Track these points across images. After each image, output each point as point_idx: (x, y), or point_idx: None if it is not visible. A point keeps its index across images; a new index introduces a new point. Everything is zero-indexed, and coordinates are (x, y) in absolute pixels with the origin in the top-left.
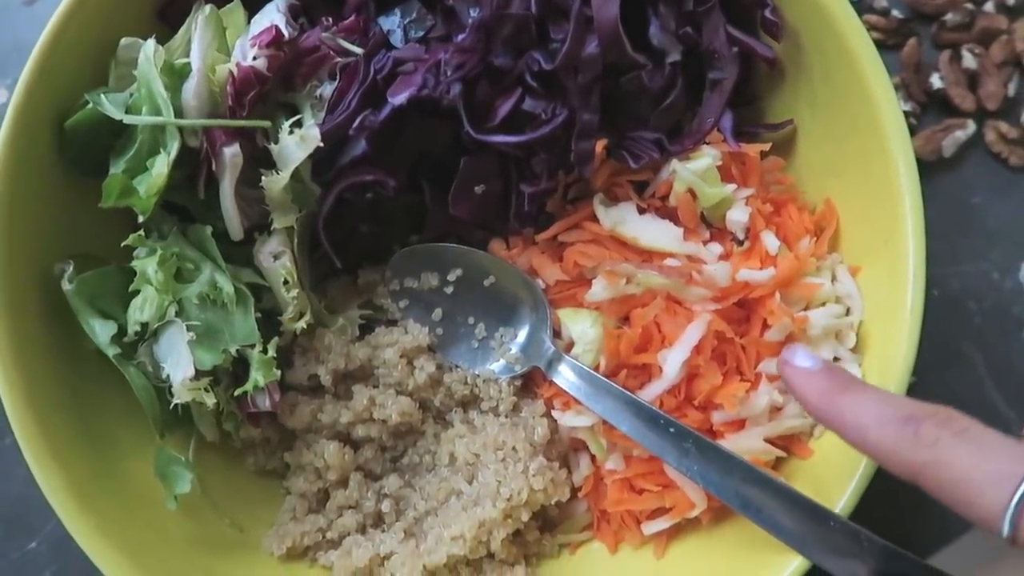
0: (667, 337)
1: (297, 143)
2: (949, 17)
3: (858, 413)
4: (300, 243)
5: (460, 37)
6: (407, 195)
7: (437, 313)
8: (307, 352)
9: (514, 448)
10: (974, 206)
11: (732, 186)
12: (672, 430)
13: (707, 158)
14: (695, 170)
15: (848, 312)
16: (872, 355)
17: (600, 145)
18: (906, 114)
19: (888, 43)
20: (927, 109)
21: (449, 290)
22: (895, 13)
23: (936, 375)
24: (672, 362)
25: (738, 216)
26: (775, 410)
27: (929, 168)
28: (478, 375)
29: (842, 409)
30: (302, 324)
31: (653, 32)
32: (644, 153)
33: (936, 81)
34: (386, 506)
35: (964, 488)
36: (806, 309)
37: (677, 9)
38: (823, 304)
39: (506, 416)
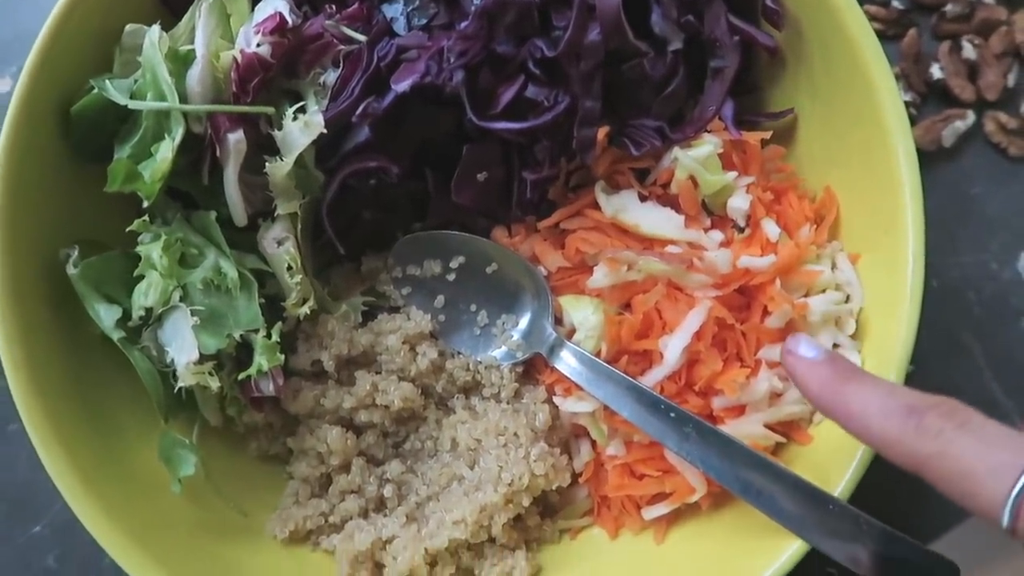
0: (668, 323)
1: (301, 129)
2: (949, 8)
3: (861, 403)
4: (304, 229)
5: (463, 24)
6: (410, 182)
7: (439, 300)
8: (310, 338)
9: (515, 434)
10: (973, 196)
11: (733, 174)
12: (673, 415)
13: (708, 146)
14: (696, 158)
15: (848, 299)
16: (871, 342)
17: (602, 132)
18: (906, 104)
19: (888, 33)
20: (927, 99)
21: (451, 277)
22: (895, 4)
23: (935, 364)
24: (673, 348)
25: (739, 203)
26: (775, 396)
27: (929, 158)
28: (480, 361)
29: (846, 399)
30: (305, 310)
31: (655, 20)
32: (646, 140)
33: (936, 71)
34: (388, 491)
35: (967, 480)
36: (806, 296)
37: None
38: (823, 291)
39: (507, 402)
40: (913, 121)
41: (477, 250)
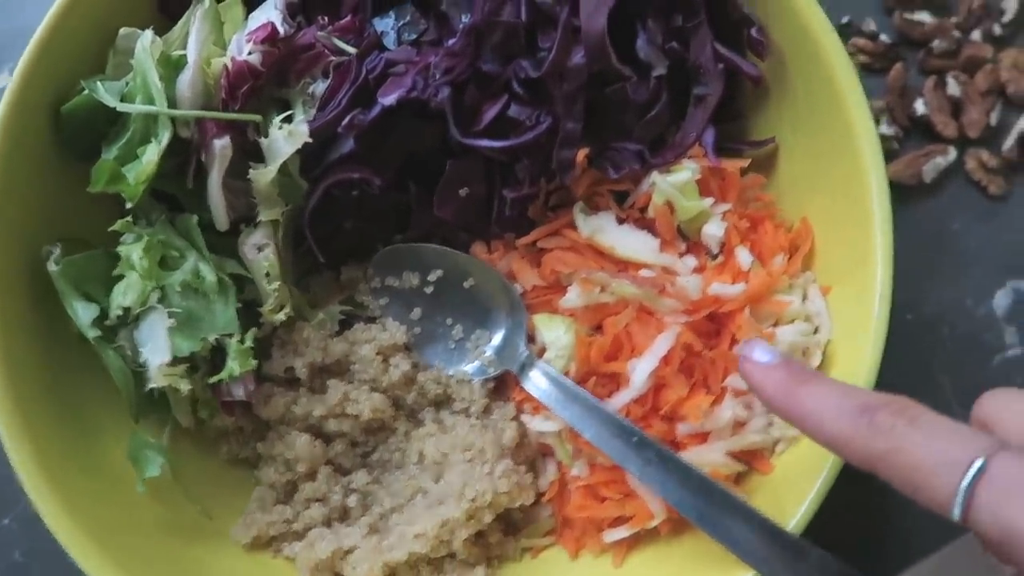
0: (637, 347)
1: (286, 138)
2: (936, 44)
3: (816, 404)
4: (285, 237)
5: (451, 42)
6: (393, 194)
7: (416, 312)
8: (285, 344)
9: (482, 450)
10: (952, 232)
11: (710, 200)
12: (635, 440)
13: (687, 172)
14: (674, 183)
15: (816, 331)
16: (836, 374)
17: (582, 154)
18: (889, 138)
19: (875, 67)
20: (910, 134)
21: (429, 290)
22: (883, 37)
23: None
24: (640, 372)
25: (714, 230)
26: (738, 425)
27: (909, 193)
28: (452, 375)
29: (801, 400)
30: (281, 316)
31: (640, 45)
32: (625, 164)
33: (920, 106)
34: (353, 501)
35: (918, 473)
36: (775, 325)
37: (665, 24)
38: (792, 321)
39: (477, 417)
40: (895, 155)
41: (455, 264)
